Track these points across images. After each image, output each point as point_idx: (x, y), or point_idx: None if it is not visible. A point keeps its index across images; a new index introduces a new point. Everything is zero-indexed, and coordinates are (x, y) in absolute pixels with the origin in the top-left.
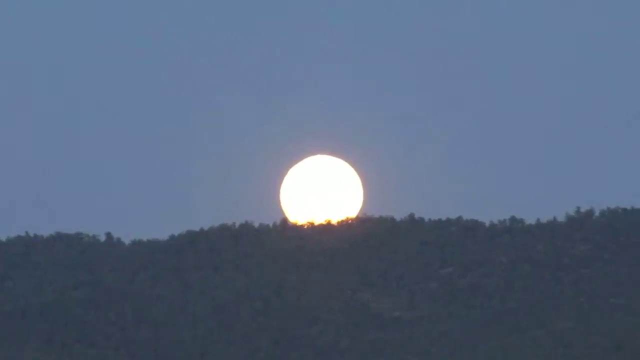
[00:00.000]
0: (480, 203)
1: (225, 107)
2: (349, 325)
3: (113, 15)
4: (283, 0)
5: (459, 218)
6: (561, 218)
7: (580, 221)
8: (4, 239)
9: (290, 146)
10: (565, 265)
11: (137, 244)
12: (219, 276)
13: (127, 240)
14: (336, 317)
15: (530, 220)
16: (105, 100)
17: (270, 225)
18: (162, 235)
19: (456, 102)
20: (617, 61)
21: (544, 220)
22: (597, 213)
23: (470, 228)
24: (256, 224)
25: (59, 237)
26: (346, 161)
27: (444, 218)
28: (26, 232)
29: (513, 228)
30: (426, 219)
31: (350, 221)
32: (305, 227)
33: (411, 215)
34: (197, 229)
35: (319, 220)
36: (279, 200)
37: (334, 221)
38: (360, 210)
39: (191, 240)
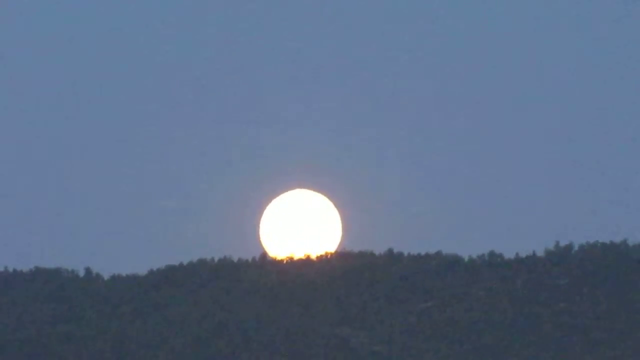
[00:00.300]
0: (459, 238)
1: (203, 141)
2: None
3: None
4: (261, 28)
5: (438, 252)
6: (540, 252)
7: (559, 255)
8: None
9: (269, 180)
10: (544, 300)
11: (116, 278)
12: (198, 311)
13: (106, 275)
14: (315, 351)
15: (509, 254)
16: (81, 135)
17: (250, 259)
18: (141, 270)
19: (435, 138)
20: (597, 98)
21: (522, 254)
22: (576, 247)
23: (450, 262)
24: (235, 259)
25: (37, 272)
26: (325, 195)
27: (423, 253)
28: (4, 267)
29: (492, 262)
30: (405, 254)
31: (329, 256)
32: (285, 261)
33: (390, 250)
34: (176, 263)
35: (298, 254)
36: (258, 235)
37: (313, 256)
38: (339, 245)
39: (170, 275)
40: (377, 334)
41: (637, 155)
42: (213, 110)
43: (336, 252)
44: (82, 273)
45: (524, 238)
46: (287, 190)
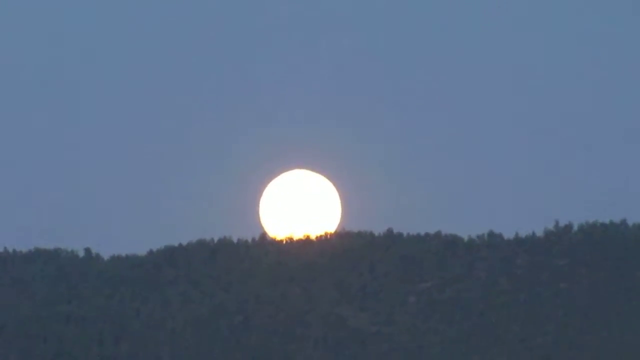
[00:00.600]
0: (459, 218)
1: (203, 123)
2: (327, 340)
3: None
4: (263, 15)
5: (438, 233)
6: (540, 232)
7: (559, 235)
8: None
9: (269, 161)
10: (543, 280)
11: (115, 259)
12: (198, 291)
13: (105, 256)
14: (315, 331)
15: (509, 234)
16: (83, 118)
17: (249, 240)
18: (141, 250)
19: (435, 118)
20: (595, 79)
21: (522, 234)
22: (575, 227)
23: (449, 243)
24: (235, 239)
25: (37, 253)
26: (325, 176)
27: (422, 233)
28: (5, 248)
29: (492, 243)
30: (405, 234)
31: (329, 236)
32: (284, 242)
33: (390, 230)
34: (175, 244)
35: (297, 235)
36: (258, 215)
37: (313, 236)
38: (339, 225)
39: (170, 256)
40: (376, 314)
41: (636, 136)
42: (213, 93)
43: (336, 232)
44: (81, 253)
45: (523, 218)
46: (286, 171)
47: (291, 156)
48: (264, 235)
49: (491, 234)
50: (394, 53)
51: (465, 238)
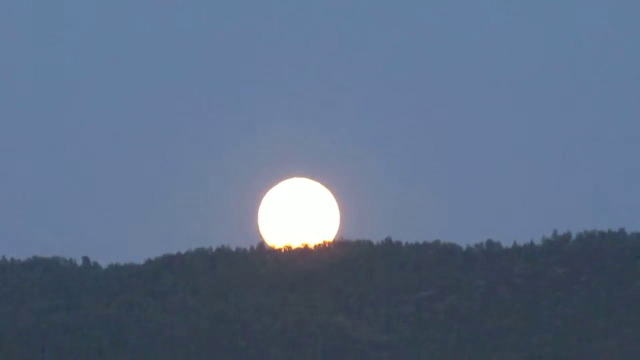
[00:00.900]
0: (457, 227)
1: (201, 132)
2: (326, 349)
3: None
4: (258, 20)
5: (436, 242)
6: (538, 241)
7: (558, 244)
8: None
9: (267, 169)
10: (542, 289)
11: (114, 267)
12: (196, 300)
13: (104, 264)
14: (313, 341)
15: (507, 243)
16: (80, 125)
17: (248, 248)
18: (139, 259)
19: (433, 125)
20: (595, 88)
21: (520, 243)
22: (574, 236)
23: (447, 252)
24: (233, 248)
25: (35, 262)
26: (323, 184)
27: (420, 242)
28: (3, 257)
29: (490, 251)
30: (403, 243)
31: (327, 245)
32: (283, 250)
33: (388, 239)
34: (174, 252)
35: (296, 243)
36: (256, 224)
37: (312, 245)
38: (337, 234)
39: (168, 264)
40: (375, 324)
41: (636, 144)
42: (210, 100)
43: (334, 241)
44: (80, 262)
45: (521, 227)
46: (285, 179)
47: (290, 164)
48: (262, 243)
49: (489, 243)
50: (393, 63)
51: (464, 247)
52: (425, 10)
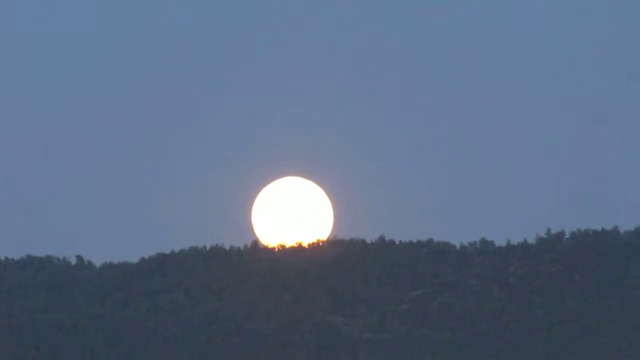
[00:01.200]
0: (451, 225)
1: (195, 131)
2: (319, 348)
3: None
4: (254, 19)
5: (430, 240)
6: (532, 240)
7: (551, 243)
8: None
9: (261, 168)
10: (535, 287)
11: (107, 266)
12: (190, 299)
13: (97, 263)
14: (307, 339)
15: (500, 242)
16: (73, 125)
17: (241, 247)
18: (133, 258)
19: (427, 124)
20: (587, 87)
21: (514, 242)
22: (567, 235)
23: (441, 250)
24: (227, 246)
25: (29, 261)
26: (317, 183)
27: (414, 240)
28: None
29: (483, 250)
30: (397, 241)
31: (321, 243)
32: (277, 249)
33: (382, 238)
34: (167, 251)
35: (290, 242)
36: (250, 222)
37: (305, 243)
38: (331, 233)
39: (161, 263)
40: (368, 322)
41: (628, 143)
42: (205, 100)
43: (328, 239)
44: (73, 261)
45: (515, 225)
46: (278, 178)
47: (283, 163)
48: (256, 242)
49: (483, 242)
50: (386, 64)
51: (458, 245)
52: (417, 9)
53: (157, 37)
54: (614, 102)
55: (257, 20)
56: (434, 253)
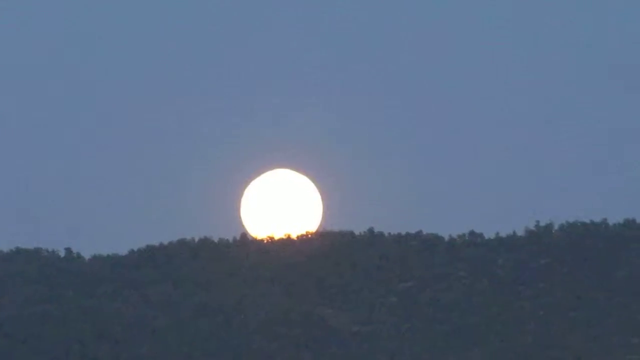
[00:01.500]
0: (439, 217)
1: (184, 121)
2: (308, 340)
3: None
4: (242, 15)
5: (419, 232)
6: (520, 232)
7: (540, 235)
8: None
9: (250, 160)
10: (524, 279)
11: (96, 258)
12: (179, 291)
13: (86, 255)
14: (295, 331)
15: (489, 234)
16: (61, 117)
17: (230, 239)
18: (122, 250)
19: (416, 117)
20: (577, 79)
21: (503, 234)
22: (556, 227)
23: (430, 242)
24: (216, 239)
25: (17, 252)
26: (306, 175)
27: (403, 232)
28: None
29: (472, 242)
30: (386, 234)
31: (309, 235)
32: (265, 241)
33: (370, 230)
34: (156, 243)
35: (279, 234)
36: (239, 215)
37: (294, 235)
38: (320, 225)
39: (151, 255)
40: (357, 314)
41: (617, 136)
42: (193, 93)
43: (317, 231)
44: (62, 253)
45: (504, 218)
46: (267, 171)
47: (272, 156)
48: (245, 234)
49: (472, 234)
50: (375, 54)
51: (446, 238)
52: (407, 6)
53: (146, 34)
54: (602, 97)
55: (244, 13)
56: (423, 245)
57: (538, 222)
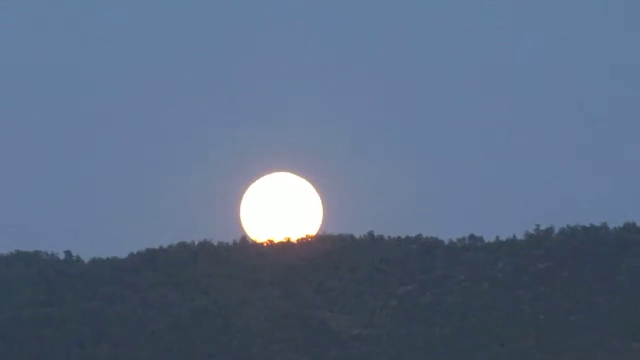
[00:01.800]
0: (439, 221)
1: (184, 125)
2: (308, 344)
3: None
4: (245, 17)
5: (419, 236)
6: (520, 236)
7: (540, 239)
8: None
9: (250, 163)
10: (524, 283)
11: (96, 262)
12: (178, 294)
13: (86, 258)
14: (295, 335)
15: (489, 238)
16: (62, 119)
17: (230, 243)
18: (122, 253)
19: (416, 121)
20: (578, 82)
21: (503, 238)
22: (556, 231)
23: (430, 246)
24: (215, 242)
25: (18, 256)
26: (306, 179)
27: (403, 236)
28: None
29: (472, 246)
30: (386, 237)
31: (309, 239)
32: (265, 244)
33: (371, 233)
34: (156, 247)
35: (278, 238)
36: (239, 218)
37: (294, 239)
38: (320, 228)
39: (150, 259)
40: (357, 317)
41: (617, 141)
42: (193, 95)
43: (317, 235)
44: (62, 256)
45: (504, 221)
46: (267, 174)
47: (272, 159)
48: (244, 238)
49: (472, 237)
50: (376, 59)
51: (446, 241)
52: (414, 8)
53: (148, 36)
54: (604, 100)
55: (247, 17)
56: (423, 249)
57: (538, 225)
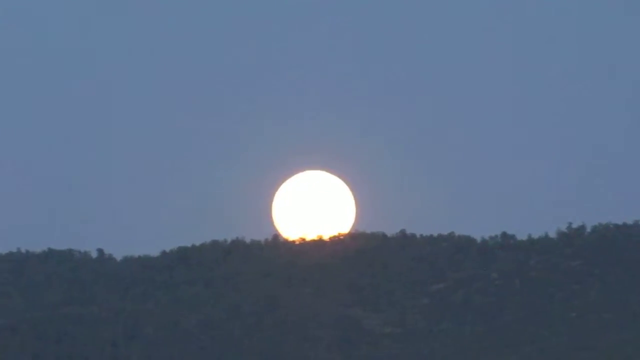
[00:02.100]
0: (472, 219)
1: (218, 124)
2: (340, 341)
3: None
4: (276, 13)
5: (451, 234)
6: (553, 234)
7: (572, 237)
8: None
9: (283, 162)
10: (556, 281)
11: (128, 260)
12: (211, 292)
13: (118, 257)
14: (327, 333)
15: (521, 236)
16: (95, 118)
17: (262, 241)
18: (154, 251)
19: (449, 119)
20: (606, 79)
21: (535, 236)
22: (588, 229)
23: (462, 244)
24: (248, 240)
25: (50, 254)
26: (338, 177)
27: (435, 234)
28: (18, 249)
29: (505, 244)
30: (418, 235)
31: (342, 237)
32: (297, 242)
33: (403, 231)
34: (188, 245)
35: (310, 236)
36: (271, 216)
37: (326, 237)
38: (352, 226)
39: (183, 256)
40: (389, 316)
41: None
42: (227, 93)
43: (349, 233)
44: (94, 254)
45: (536, 219)
46: (300, 172)
47: (305, 157)
48: (277, 236)
49: (504, 236)
50: (413, 57)
51: (479, 239)
52: (443, 6)
53: (177, 35)
54: (638, 97)
55: (285, 16)
56: (455, 247)
57: (570, 223)
